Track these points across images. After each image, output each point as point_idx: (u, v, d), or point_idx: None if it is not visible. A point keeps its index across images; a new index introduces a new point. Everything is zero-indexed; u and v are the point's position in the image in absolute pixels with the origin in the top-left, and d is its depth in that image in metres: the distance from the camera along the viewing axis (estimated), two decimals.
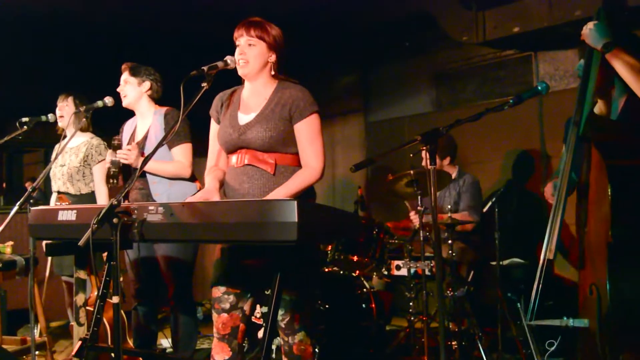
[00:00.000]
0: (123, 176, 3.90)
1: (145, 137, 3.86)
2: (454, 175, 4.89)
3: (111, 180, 3.77)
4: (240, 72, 2.83)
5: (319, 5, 5.70)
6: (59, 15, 5.43)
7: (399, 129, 6.85)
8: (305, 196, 2.76)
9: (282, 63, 2.88)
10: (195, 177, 3.89)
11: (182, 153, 3.83)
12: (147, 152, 3.74)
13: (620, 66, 2.75)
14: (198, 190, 3.77)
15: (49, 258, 4.83)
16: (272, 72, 2.86)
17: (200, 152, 3.84)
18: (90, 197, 4.47)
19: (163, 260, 3.79)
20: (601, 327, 2.62)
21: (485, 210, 4.85)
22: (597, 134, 2.82)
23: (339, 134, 7.41)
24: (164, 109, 3.90)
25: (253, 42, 2.78)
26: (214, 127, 3.00)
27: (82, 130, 4.47)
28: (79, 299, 4.25)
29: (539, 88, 2.85)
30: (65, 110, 4.52)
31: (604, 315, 2.61)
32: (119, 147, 3.79)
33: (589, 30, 2.86)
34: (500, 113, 2.90)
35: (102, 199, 4.35)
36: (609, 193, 2.61)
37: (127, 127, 4.05)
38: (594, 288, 2.68)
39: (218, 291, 2.77)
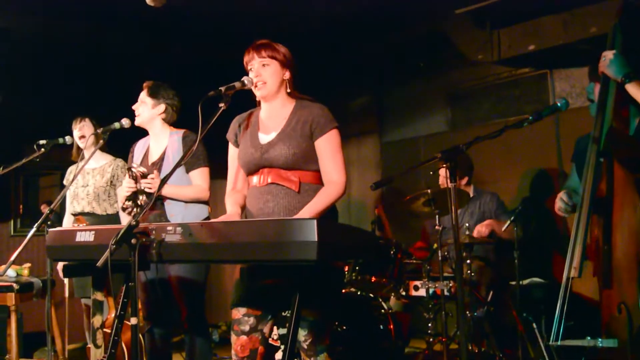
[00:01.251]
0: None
1: (161, 159, 3.85)
2: (470, 194, 4.86)
3: (127, 208, 3.75)
4: (259, 94, 2.84)
5: (332, 27, 5.72)
6: (74, 38, 5.49)
7: (414, 149, 6.82)
8: (329, 215, 2.75)
9: (297, 79, 2.90)
10: (208, 201, 3.88)
11: (201, 177, 3.81)
12: (164, 173, 3.72)
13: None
14: (209, 214, 3.80)
15: (66, 280, 4.83)
16: (288, 90, 2.87)
17: (215, 174, 3.84)
18: (116, 217, 4.50)
19: (175, 281, 3.77)
20: (633, 347, 2.56)
21: (504, 229, 4.81)
22: (618, 148, 2.79)
23: (354, 155, 7.40)
24: (181, 131, 3.90)
25: (266, 62, 2.80)
26: (232, 151, 3.00)
27: (101, 151, 4.50)
28: (96, 320, 4.22)
29: (559, 104, 2.83)
30: (85, 130, 4.58)
31: (635, 335, 2.55)
32: (137, 177, 3.76)
33: (609, 61, 2.85)
34: (516, 132, 2.89)
35: (126, 219, 4.36)
36: None
37: (139, 148, 4.02)
38: (622, 307, 2.63)
39: (238, 313, 2.74)
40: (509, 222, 4.50)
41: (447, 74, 6.59)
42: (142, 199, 3.65)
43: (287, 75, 2.86)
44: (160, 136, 3.92)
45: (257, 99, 2.91)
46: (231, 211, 2.84)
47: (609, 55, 2.86)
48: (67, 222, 4.73)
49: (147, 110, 3.87)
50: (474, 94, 6.41)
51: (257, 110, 2.97)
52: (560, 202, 3.12)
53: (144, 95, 3.89)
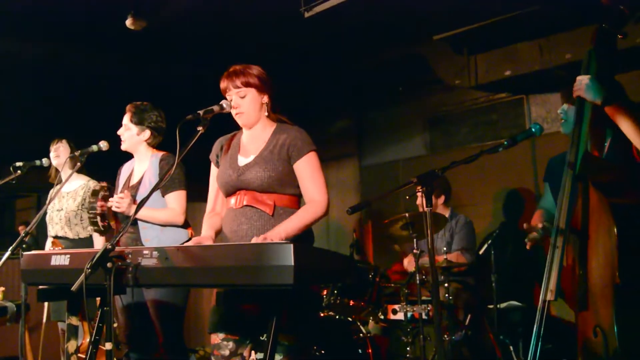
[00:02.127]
0: (107, 220, 3.84)
1: (139, 182, 3.83)
2: (447, 216, 4.91)
3: (93, 227, 3.72)
4: (240, 123, 2.86)
5: (312, 51, 5.77)
6: (52, 60, 5.48)
7: (393, 172, 6.86)
8: (304, 238, 2.75)
9: (275, 100, 2.91)
10: (189, 223, 3.84)
11: (176, 200, 3.77)
12: (139, 196, 3.70)
13: (621, 119, 2.79)
14: (190, 237, 3.75)
15: (46, 303, 4.76)
16: (267, 113, 2.88)
17: (195, 196, 3.82)
18: (89, 241, 4.44)
19: (153, 305, 3.72)
20: None
21: (481, 252, 4.84)
22: (594, 173, 2.82)
23: (333, 178, 7.41)
24: (160, 154, 3.88)
25: (242, 92, 2.82)
26: (213, 171, 3.01)
27: (78, 173, 4.46)
28: (71, 345, 4.17)
29: (533, 130, 2.87)
30: (60, 151, 4.54)
31: (611, 358, 2.57)
32: (100, 194, 3.73)
33: (585, 86, 2.88)
34: (493, 155, 2.92)
35: (100, 243, 4.32)
36: (615, 232, 2.59)
37: (125, 170, 4.01)
38: (598, 330, 2.64)
39: (217, 337, 2.73)
40: (486, 245, 4.54)
41: (425, 99, 6.65)
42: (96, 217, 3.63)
43: (265, 99, 2.87)
44: (143, 159, 3.90)
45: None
46: (204, 234, 2.84)
47: (584, 80, 2.89)
48: (48, 246, 4.68)
49: (132, 137, 3.85)
50: (452, 118, 6.48)
51: (239, 133, 2.99)
52: (532, 234, 3.14)
53: (127, 121, 3.85)
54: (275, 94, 2.92)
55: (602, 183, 2.78)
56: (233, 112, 2.82)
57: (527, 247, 3.14)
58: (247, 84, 2.81)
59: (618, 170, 2.89)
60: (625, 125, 2.77)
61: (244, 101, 2.82)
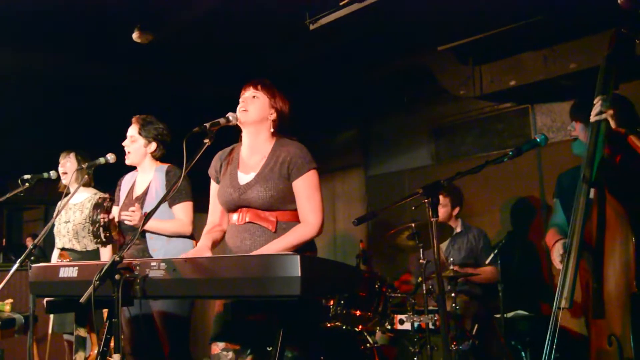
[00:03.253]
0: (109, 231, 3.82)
1: (145, 193, 3.85)
2: (458, 229, 4.91)
3: (95, 240, 3.71)
4: (241, 119, 2.85)
5: (318, 61, 5.79)
6: (59, 73, 5.51)
7: (399, 182, 6.86)
8: (305, 250, 2.75)
9: (283, 125, 2.93)
10: (194, 235, 3.87)
11: (183, 211, 3.81)
12: (147, 207, 3.72)
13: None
14: (192, 248, 3.76)
15: (51, 315, 4.78)
16: (272, 130, 2.90)
17: (200, 208, 3.84)
18: (96, 253, 4.46)
19: (158, 316, 3.73)
20: None
21: (487, 262, 4.83)
22: (611, 177, 2.82)
23: (339, 189, 7.42)
24: (165, 166, 3.90)
25: (257, 94, 2.87)
26: (213, 187, 3.03)
27: (85, 186, 4.49)
28: (79, 357, 4.17)
29: (538, 140, 2.87)
30: (67, 167, 4.56)
31: None
32: (103, 205, 3.73)
33: (609, 116, 2.85)
34: (499, 165, 2.92)
35: (107, 256, 4.33)
36: (634, 241, 2.59)
37: (126, 182, 4.03)
38: (613, 339, 2.63)
39: (217, 347, 2.74)
40: (492, 255, 4.53)
41: (430, 109, 6.66)
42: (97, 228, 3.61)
43: (273, 115, 2.90)
44: (147, 171, 3.93)
45: (241, 134, 2.94)
46: (201, 245, 2.86)
47: (609, 112, 2.86)
48: (55, 258, 4.70)
49: (139, 149, 3.87)
50: (458, 128, 6.48)
51: (238, 147, 3.00)
52: (556, 254, 3.13)
53: (134, 132, 3.88)
54: (285, 122, 2.94)
55: (619, 189, 2.77)
56: (238, 107, 2.84)
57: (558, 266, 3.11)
58: (264, 92, 2.87)
59: (631, 178, 2.89)
60: None
61: (252, 101, 2.86)
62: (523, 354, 4.53)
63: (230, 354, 2.71)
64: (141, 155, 3.89)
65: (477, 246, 4.91)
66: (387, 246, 4.64)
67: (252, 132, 2.89)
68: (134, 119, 3.92)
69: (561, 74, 4.99)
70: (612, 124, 2.85)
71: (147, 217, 2.63)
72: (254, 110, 2.85)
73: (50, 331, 4.98)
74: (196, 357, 4.60)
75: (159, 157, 3.95)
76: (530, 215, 5.68)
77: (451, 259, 4.43)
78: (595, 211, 2.82)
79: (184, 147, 2.53)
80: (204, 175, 3.12)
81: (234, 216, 2.85)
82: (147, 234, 3.75)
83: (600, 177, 2.85)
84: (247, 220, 2.79)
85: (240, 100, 2.87)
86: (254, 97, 2.87)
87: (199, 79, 5.91)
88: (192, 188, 3.87)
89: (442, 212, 4.83)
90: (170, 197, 3.74)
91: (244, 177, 2.86)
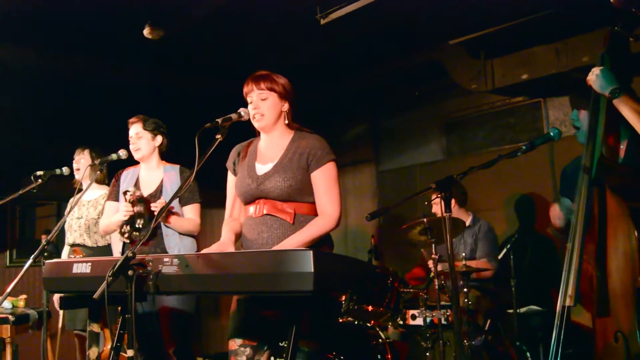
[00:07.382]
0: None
1: (158, 191, 3.86)
2: (468, 222, 4.88)
3: (125, 233, 3.74)
4: (257, 126, 2.86)
5: (328, 56, 5.79)
6: (72, 70, 5.53)
7: (410, 177, 6.85)
8: (322, 244, 2.75)
9: (295, 110, 2.92)
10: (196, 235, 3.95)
11: (194, 212, 3.90)
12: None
13: (628, 112, 2.74)
14: (197, 247, 3.82)
15: (61, 311, 4.81)
16: (287, 121, 2.89)
17: (213, 203, 3.85)
18: (107, 249, 4.48)
19: (165, 313, 3.75)
20: None
21: (500, 257, 4.81)
22: (611, 177, 2.80)
23: (350, 184, 7.42)
24: (176, 166, 3.97)
25: (265, 94, 2.82)
26: (230, 179, 3.02)
27: (98, 182, 4.51)
28: (92, 352, 4.21)
29: (551, 134, 2.85)
30: (81, 163, 4.59)
31: None
32: (134, 201, 3.75)
33: (595, 76, 2.85)
34: (511, 160, 2.90)
35: (118, 251, 4.35)
36: (636, 235, 2.57)
37: (127, 177, 4.02)
38: (619, 335, 2.62)
39: (235, 344, 2.74)
40: (505, 250, 4.51)
41: (442, 103, 6.64)
42: (139, 222, 3.66)
43: (286, 107, 2.88)
44: (153, 168, 3.95)
45: (255, 129, 2.93)
46: (224, 238, 2.84)
47: (596, 70, 2.87)
48: (65, 253, 4.73)
49: (147, 143, 3.92)
50: (469, 123, 6.46)
51: (256, 140, 2.99)
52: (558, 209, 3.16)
53: (139, 129, 3.92)
54: (296, 105, 2.93)
55: (620, 187, 2.76)
56: (251, 113, 2.82)
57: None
58: (270, 89, 2.83)
59: (633, 176, 2.87)
60: (632, 117, 2.72)
61: (264, 103, 2.83)
62: (528, 354, 4.51)
63: (248, 350, 2.72)
64: (150, 149, 3.93)
65: (482, 240, 4.87)
66: (399, 241, 4.62)
67: (269, 128, 2.89)
68: (132, 120, 3.97)
69: (573, 68, 4.97)
70: (597, 85, 2.83)
71: (159, 213, 2.65)
72: (269, 112, 2.83)
73: (60, 326, 5.02)
74: (208, 352, 4.61)
75: (164, 151, 4.00)
76: (542, 210, 5.65)
77: (462, 254, 4.41)
78: (597, 208, 2.81)
79: (196, 143, 2.53)
80: (217, 170, 3.11)
81: (251, 208, 2.83)
82: (163, 231, 3.78)
83: (600, 176, 2.83)
84: (265, 212, 2.77)
85: (252, 107, 2.83)
86: (263, 99, 2.83)
87: (209, 76, 5.92)
88: (206, 184, 3.91)
89: (437, 209, 4.79)
90: (184, 197, 3.84)
91: (262, 168, 2.85)
